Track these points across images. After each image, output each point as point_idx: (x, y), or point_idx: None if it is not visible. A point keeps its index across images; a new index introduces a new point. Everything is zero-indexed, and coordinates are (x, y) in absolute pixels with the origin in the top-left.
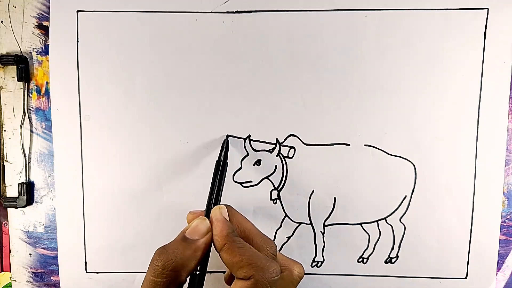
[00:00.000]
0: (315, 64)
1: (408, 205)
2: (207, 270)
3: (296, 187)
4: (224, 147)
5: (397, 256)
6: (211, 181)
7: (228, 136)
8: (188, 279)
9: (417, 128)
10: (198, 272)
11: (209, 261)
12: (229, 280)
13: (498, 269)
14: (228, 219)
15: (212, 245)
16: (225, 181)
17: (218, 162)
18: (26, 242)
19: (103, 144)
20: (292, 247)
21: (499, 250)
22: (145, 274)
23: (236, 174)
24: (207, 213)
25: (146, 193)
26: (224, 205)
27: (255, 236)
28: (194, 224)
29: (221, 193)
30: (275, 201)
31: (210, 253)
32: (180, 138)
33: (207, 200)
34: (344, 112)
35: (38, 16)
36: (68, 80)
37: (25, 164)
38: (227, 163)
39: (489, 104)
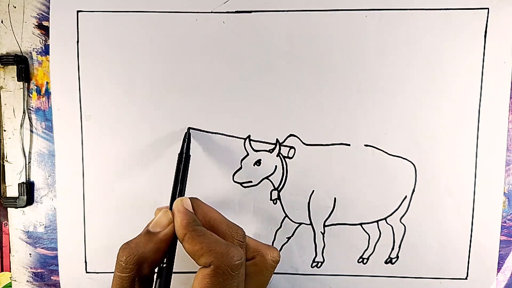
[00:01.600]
0: (315, 64)
1: (408, 205)
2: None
3: (296, 187)
4: (186, 139)
5: (397, 257)
6: (174, 174)
7: (189, 128)
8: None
9: (417, 128)
10: (164, 265)
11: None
12: None
13: (499, 269)
14: (191, 210)
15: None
16: (188, 174)
17: (180, 154)
18: (26, 242)
19: (104, 144)
20: (292, 247)
21: (499, 251)
22: None
23: (236, 174)
24: (171, 207)
25: (146, 193)
26: (190, 198)
27: (220, 224)
28: (156, 217)
29: (185, 185)
30: (275, 202)
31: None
32: (180, 138)
33: (171, 193)
34: (344, 112)
35: (38, 16)
36: (69, 80)
37: (25, 164)
38: (190, 155)
39: (489, 104)
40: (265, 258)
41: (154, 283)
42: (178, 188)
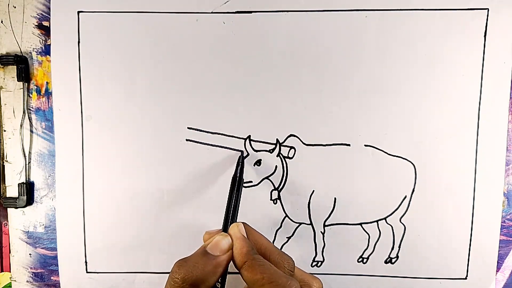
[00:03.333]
0: (315, 64)
1: (408, 205)
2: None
3: (296, 187)
4: (240, 163)
5: (397, 256)
6: (227, 198)
7: (242, 152)
8: None
9: (417, 128)
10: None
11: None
12: None
13: (498, 269)
14: (246, 237)
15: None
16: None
17: (234, 178)
18: (26, 242)
19: (104, 144)
20: (292, 247)
21: (499, 250)
22: (145, 274)
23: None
24: (225, 230)
25: (146, 193)
26: (241, 222)
27: (272, 252)
28: (216, 240)
29: (238, 210)
30: (275, 201)
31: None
32: (181, 138)
33: (224, 217)
34: (344, 112)
35: (38, 16)
36: (70, 80)
37: (25, 164)
38: (243, 179)
39: (489, 104)
40: (310, 286)
41: None
42: (231, 213)
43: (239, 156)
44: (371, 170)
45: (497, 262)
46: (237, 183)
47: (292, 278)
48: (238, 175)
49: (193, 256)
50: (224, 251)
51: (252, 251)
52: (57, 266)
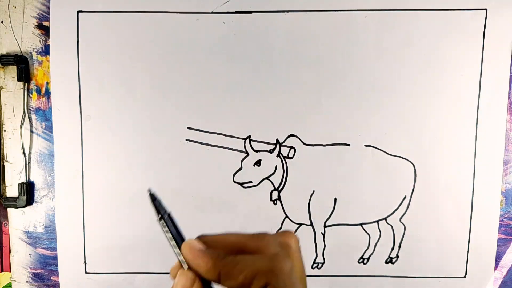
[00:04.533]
0: (315, 64)
1: (408, 205)
2: None
3: (296, 187)
4: (155, 201)
5: (397, 256)
6: (167, 239)
7: (149, 189)
8: None
9: (416, 128)
10: None
11: None
12: None
13: (496, 267)
14: (203, 248)
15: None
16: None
17: (161, 218)
18: (26, 242)
19: (103, 144)
20: None
21: (497, 249)
22: (144, 274)
23: (236, 175)
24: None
25: (145, 194)
26: (190, 239)
27: (245, 243)
28: (176, 283)
29: (182, 235)
30: (275, 202)
31: None
32: (181, 138)
33: (175, 254)
34: (344, 112)
35: (38, 16)
36: (69, 80)
37: (25, 164)
38: (169, 212)
39: (488, 104)
40: (291, 247)
41: None
42: (176, 243)
43: (149, 195)
44: (371, 170)
45: (495, 260)
46: (168, 219)
47: (275, 256)
48: (162, 212)
49: None
50: (189, 285)
51: (218, 257)
52: (57, 266)
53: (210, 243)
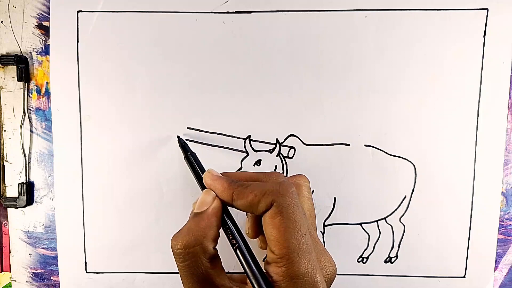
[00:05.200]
0: (315, 64)
1: (408, 205)
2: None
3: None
4: (183, 142)
5: (396, 256)
6: (191, 173)
7: (178, 136)
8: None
9: (417, 128)
10: (236, 245)
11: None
12: (253, 233)
13: (496, 267)
14: (220, 175)
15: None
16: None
17: (188, 156)
18: (26, 242)
19: (103, 144)
20: None
21: (497, 249)
22: (144, 274)
23: (234, 172)
24: (203, 187)
25: (146, 193)
26: (211, 169)
27: (258, 178)
28: (199, 199)
29: (203, 167)
30: None
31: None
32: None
33: (196, 181)
34: (344, 112)
35: (38, 16)
36: (69, 80)
37: (25, 164)
38: (194, 153)
39: (488, 104)
40: (300, 186)
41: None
42: (197, 172)
43: (178, 141)
44: (371, 170)
45: (495, 260)
46: (193, 157)
47: (282, 181)
48: (189, 151)
49: (184, 225)
50: (209, 203)
51: (234, 181)
52: (57, 266)
53: (229, 175)
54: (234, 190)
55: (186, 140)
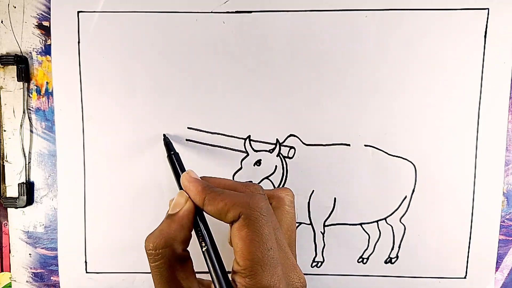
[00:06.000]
0: (315, 64)
1: (408, 205)
2: None
3: (296, 187)
4: (168, 141)
5: (397, 256)
6: (172, 172)
7: (164, 134)
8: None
9: (417, 128)
10: (204, 248)
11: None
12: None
13: (497, 268)
14: (198, 178)
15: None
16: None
17: (170, 155)
18: (26, 242)
19: (105, 144)
20: None
21: (498, 250)
22: (145, 274)
23: (236, 175)
24: (181, 188)
25: (147, 193)
26: (190, 170)
27: (236, 186)
28: (173, 201)
29: (183, 166)
30: None
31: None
32: (181, 138)
33: (176, 182)
34: (344, 112)
35: (38, 16)
36: (70, 80)
37: (25, 164)
38: (177, 153)
39: (489, 104)
40: (281, 199)
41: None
42: (177, 171)
43: (163, 139)
44: (371, 170)
45: (496, 261)
46: (175, 157)
47: (255, 193)
48: (172, 151)
49: (159, 225)
50: (182, 204)
51: (208, 186)
52: (57, 266)
53: (208, 180)
54: (207, 195)
55: (186, 140)
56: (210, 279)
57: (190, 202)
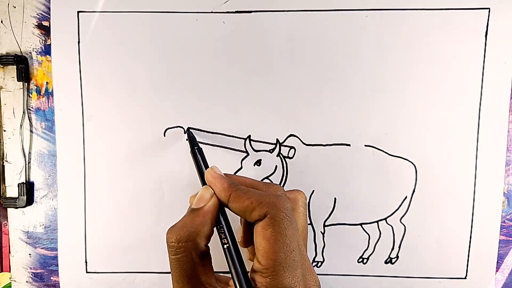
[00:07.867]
0: (315, 64)
1: (409, 205)
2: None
3: (296, 187)
4: (191, 136)
5: (397, 257)
6: (195, 167)
7: (188, 128)
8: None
9: (417, 129)
10: (226, 245)
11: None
12: (244, 242)
13: (497, 269)
14: (223, 174)
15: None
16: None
17: (193, 150)
18: (26, 242)
19: (105, 144)
20: None
21: (498, 250)
22: (144, 274)
23: (236, 175)
24: (204, 183)
25: (147, 193)
26: (214, 166)
27: (258, 185)
28: (198, 195)
29: (206, 163)
30: None
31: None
32: (181, 138)
33: (198, 176)
34: (344, 112)
35: (38, 16)
36: (71, 80)
37: (25, 164)
38: (201, 148)
39: (489, 104)
40: (296, 201)
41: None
42: (201, 167)
43: (187, 133)
44: (371, 170)
45: (497, 261)
46: (199, 152)
47: (279, 194)
48: (196, 145)
49: (181, 219)
50: (207, 200)
51: (234, 184)
52: (57, 266)
53: (230, 177)
54: (232, 192)
55: (187, 140)
56: (227, 276)
57: (215, 198)
